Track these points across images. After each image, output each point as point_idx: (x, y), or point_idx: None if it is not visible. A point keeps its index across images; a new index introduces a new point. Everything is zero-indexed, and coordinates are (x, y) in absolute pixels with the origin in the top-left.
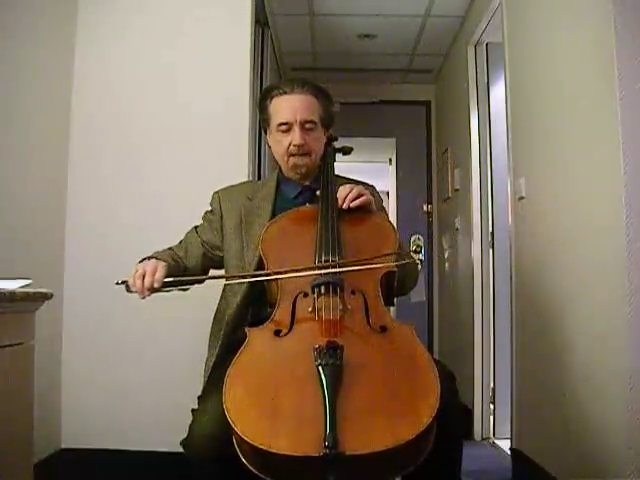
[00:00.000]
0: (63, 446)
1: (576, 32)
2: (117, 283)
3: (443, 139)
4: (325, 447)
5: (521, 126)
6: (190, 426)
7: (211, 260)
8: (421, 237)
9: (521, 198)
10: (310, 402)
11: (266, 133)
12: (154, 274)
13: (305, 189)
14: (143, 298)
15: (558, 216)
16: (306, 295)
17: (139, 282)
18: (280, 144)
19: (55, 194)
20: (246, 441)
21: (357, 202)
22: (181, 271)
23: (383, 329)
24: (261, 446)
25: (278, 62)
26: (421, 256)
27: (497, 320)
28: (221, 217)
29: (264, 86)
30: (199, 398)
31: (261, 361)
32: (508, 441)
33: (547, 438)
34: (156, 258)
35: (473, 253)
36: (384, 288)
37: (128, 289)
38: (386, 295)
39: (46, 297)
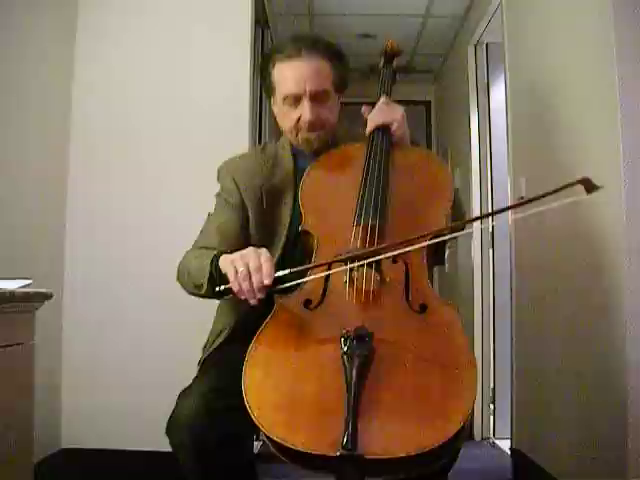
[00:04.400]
0: (63, 446)
1: (576, 32)
2: (219, 291)
3: (443, 139)
4: (343, 447)
5: (521, 126)
6: (173, 410)
7: None
8: None
9: (521, 198)
10: (332, 394)
11: (269, 98)
12: (259, 269)
13: None
14: (257, 302)
15: (558, 216)
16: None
17: (245, 285)
18: (287, 117)
19: (55, 194)
20: (261, 430)
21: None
22: None
23: (423, 308)
24: (277, 439)
25: None
26: None
27: (497, 320)
28: (241, 199)
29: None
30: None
31: (286, 339)
32: (508, 441)
33: (547, 438)
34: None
35: (473, 253)
36: (431, 248)
37: (233, 294)
38: (433, 253)
39: (46, 297)
